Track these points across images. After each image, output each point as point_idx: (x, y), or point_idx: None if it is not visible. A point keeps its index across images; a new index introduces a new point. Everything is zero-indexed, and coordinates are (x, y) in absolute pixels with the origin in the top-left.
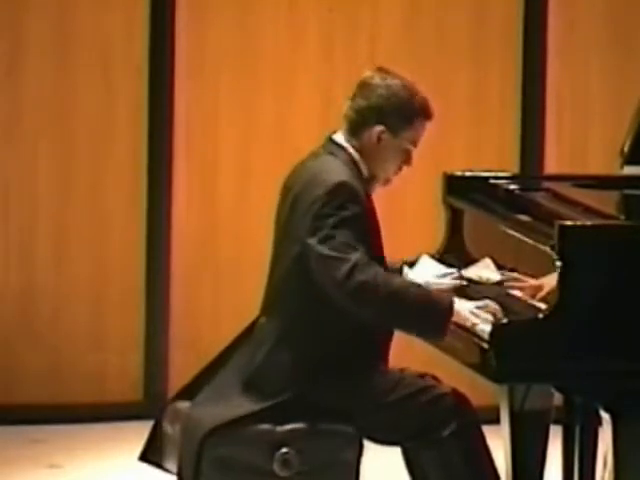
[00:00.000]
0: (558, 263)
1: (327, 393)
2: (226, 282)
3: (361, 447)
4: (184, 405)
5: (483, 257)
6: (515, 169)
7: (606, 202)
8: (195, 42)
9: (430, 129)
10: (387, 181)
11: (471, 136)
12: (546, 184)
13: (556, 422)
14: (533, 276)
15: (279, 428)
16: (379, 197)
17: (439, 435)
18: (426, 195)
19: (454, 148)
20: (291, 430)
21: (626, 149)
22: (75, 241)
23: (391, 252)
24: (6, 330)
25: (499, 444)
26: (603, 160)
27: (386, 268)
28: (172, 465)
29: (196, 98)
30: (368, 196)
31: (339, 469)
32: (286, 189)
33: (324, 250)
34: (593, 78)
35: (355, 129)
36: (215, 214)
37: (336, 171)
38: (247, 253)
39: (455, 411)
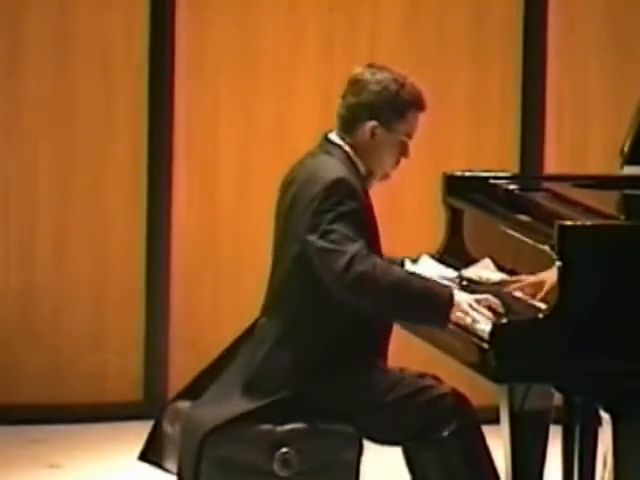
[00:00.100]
0: (558, 263)
1: (327, 392)
2: (226, 282)
3: (361, 447)
4: (184, 405)
5: (483, 257)
6: (515, 169)
7: (606, 202)
8: (195, 42)
9: (430, 129)
10: (386, 176)
11: (471, 136)
12: (546, 184)
13: (556, 422)
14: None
15: (279, 428)
16: (379, 197)
17: (439, 435)
18: (426, 195)
19: (454, 148)
20: (291, 430)
21: (626, 149)
22: (75, 241)
23: (391, 252)
24: (6, 330)
25: (499, 444)
26: (603, 160)
27: None
28: (172, 465)
29: (196, 98)
30: (366, 192)
31: (339, 469)
32: (284, 188)
33: (323, 244)
34: (593, 78)
35: (348, 126)
36: (215, 214)
37: (333, 169)
38: (247, 253)
39: (455, 411)
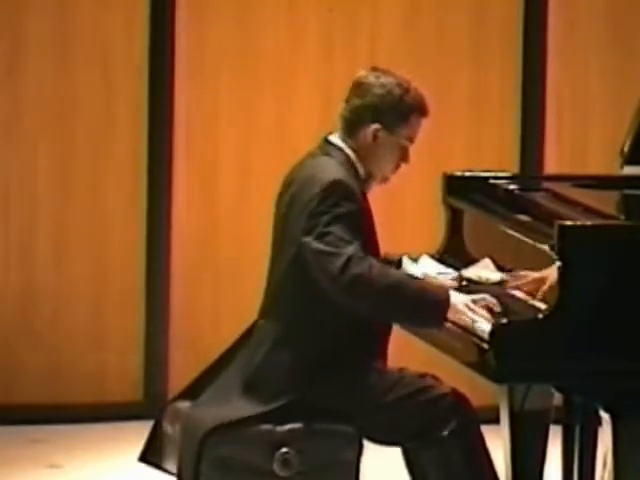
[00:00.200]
0: (558, 263)
1: (326, 393)
2: (226, 282)
3: (361, 447)
4: (184, 405)
5: (483, 257)
6: (515, 169)
7: (606, 202)
8: (195, 42)
9: (430, 129)
10: (385, 179)
11: (471, 136)
12: (546, 184)
13: (556, 422)
14: None
15: (279, 428)
16: (379, 197)
17: (439, 435)
18: (426, 195)
19: (454, 148)
20: (291, 430)
21: (626, 149)
22: (75, 241)
23: (391, 252)
24: (6, 330)
25: (499, 444)
26: (603, 160)
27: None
28: (172, 465)
29: (196, 98)
30: (364, 195)
31: (339, 469)
32: (284, 189)
33: (318, 245)
34: (593, 78)
35: (351, 129)
36: (215, 214)
37: (331, 170)
38: (247, 253)
39: (455, 410)
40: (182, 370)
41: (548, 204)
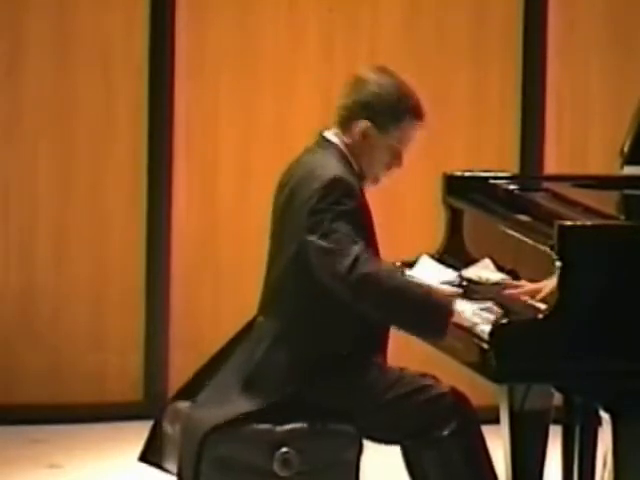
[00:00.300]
0: (558, 263)
1: (325, 392)
2: (226, 282)
3: (361, 447)
4: (184, 405)
5: (483, 257)
6: (515, 169)
7: (606, 202)
8: (195, 42)
9: (430, 129)
10: (375, 180)
11: (471, 136)
12: (546, 184)
13: (556, 422)
14: (533, 277)
15: (279, 428)
16: (379, 197)
17: (439, 434)
18: (426, 195)
19: (454, 148)
20: (291, 430)
21: (626, 149)
22: (75, 241)
23: (391, 252)
24: (6, 330)
25: (499, 444)
26: (603, 160)
27: None
28: (172, 465)
29: (196, 98)
30: (362, 192)
31: (339, 469)
32: (281, 186)
33: (324, 244)
34: (593, 78)
35: (344, 124)
36: (215, 214)
37: (331, 166)
38: (247, 253)
39: (455, 410)
40: (182, 370)
41: (548, 204)
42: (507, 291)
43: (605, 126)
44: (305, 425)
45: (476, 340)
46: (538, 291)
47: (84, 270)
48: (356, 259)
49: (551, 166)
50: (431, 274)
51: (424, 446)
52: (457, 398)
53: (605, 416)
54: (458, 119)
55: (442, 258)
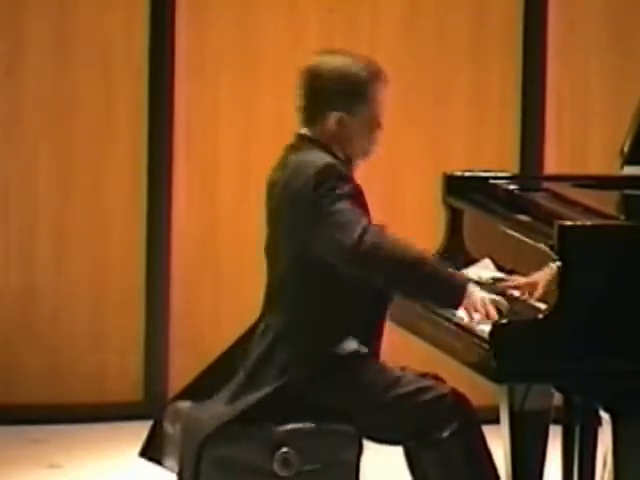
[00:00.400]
0: (558, 263)
1: (325, 391)
2: (226, 282)
3: (361, 447)
4: (185, 405)
5: (483, 257)
6: (515, 169)
7: (606, 202)
8: (195, 42)
9: (430, 129)
10: (366, 154)
11: (471, 136)
12: (546, 184)
13: (556, 422)
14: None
15: (279, 428)
16: (379, 197)
17: (439, 435)
18: (426, 195)
19: (454, 148)
20: (291, 430)
21: (626, 149)
22: (75, 241)
23: None
24: (6, 330)
25: (499, 444)
26: (603, 160)
27: None
28: (171, 463)
29: (196, 98)
30: (353, 176)
31: (339, 469)
32: (270, 188)
33: (330, 223)
34: (593, 78)
35: (314, 118)
36: (215, 214)
37: (320, 156)
38: (247, 253)
39: (455, 411)
40: (182, 370)
41: (548, 204)
42: (502, 284)
43: (605, 126)
44: (305, 425)
45: (476, 340)
46: (531, 285)
47: (84, 270)
48: (365, 229)
49: (551, 166)
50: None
51: (424, 447)
52: (457, 399)
53: (605, 416)
54: (458, 119)
55: (442, 258)
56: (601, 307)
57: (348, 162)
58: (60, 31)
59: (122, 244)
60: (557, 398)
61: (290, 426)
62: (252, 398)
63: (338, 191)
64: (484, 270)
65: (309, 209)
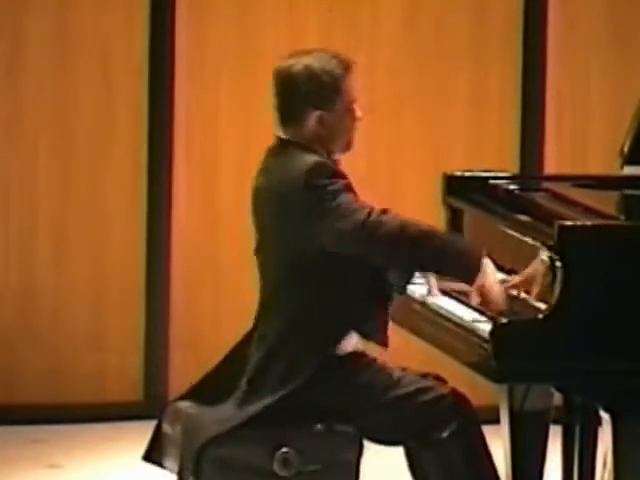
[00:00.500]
0: (546, 254)
1: (325, 392)
2: (226, 282)
3: (361, 447)
4: (185, 405)
5: None
6: (515, 169)
7: (606, 202)
8: (195, 42)
9: (430, 129)
10: (348, 146)
11: (471, 136)
12: (546, 184)
13: (556, 422)
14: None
15: (279, 428)
16: (379, 198)
17: (439, 436)
18: (426, 195)
19: (454, 148)
20: (291, 430)
21: (626, 149)
22: (75, 241)
23: None
24: (6, 330)
25: (499, 444)
26: (603, 160)
27: None
28: (172, 464)
29: (196, 98)
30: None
31: (339, 469)
32: (255, 192)
33: (335, 215)
34: (593, 78)
35: (293, 121)
36: (215, 214)
37: (306, 157)
38: (247, 253)
39: (455, 411)
40: (182, 370)
41: (548, 204)
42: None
43: (605, 126)
44: (305, 425)
45: (476, 340)
46: (526, 283)
47: (84, 270)
48: (371, 210)
49: (551, 166)
50: None
51: (424, 447)
52: (457, 399)
53: (605, 416)
54: (458, 119)
55: None
56: (601, 307)
57: (330, 158)
58: (60, 31)
59: (122, 244)
60: (557, 398)
61: (290, 426)
62: (259, 405)
63: (332, 186)
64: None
65: (305, 210)
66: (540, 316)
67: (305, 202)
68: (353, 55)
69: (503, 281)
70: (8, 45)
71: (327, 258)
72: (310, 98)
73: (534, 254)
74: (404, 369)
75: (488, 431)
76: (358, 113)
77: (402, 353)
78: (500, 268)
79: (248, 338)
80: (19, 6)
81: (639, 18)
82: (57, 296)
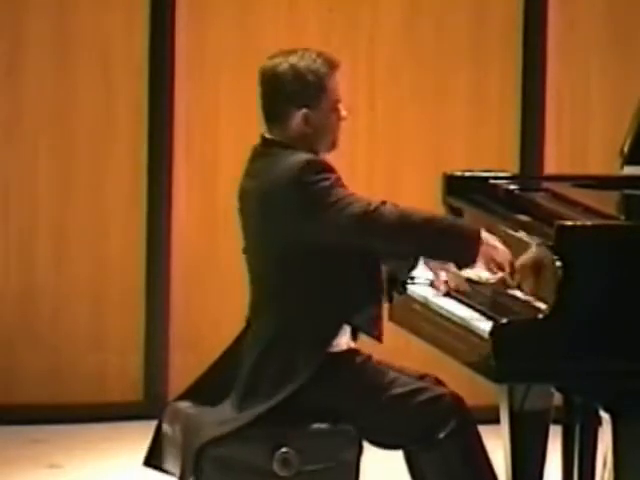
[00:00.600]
0: (558, 263)
1: (322, 392)
2: (226, 282)
3: (361, 447)
4: (184, 405)
5: None
6: (515, 169)
7: (606, 202)
8: (195, 42)
9: (430, 129)
10: (334, 145)
11: (471, 136)
12: (546, 184)
13: (556, 422)
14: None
15: (278, 428)
16: (379, 197)
17: (437, 437)
18: (426, 195)
19: (454, 148)
20: (291, 430)
21: (626, 149)
22: (75, 241)
23: None
24: (6, 330)
25: (499, 444)
26: (603, 160)
27: None
28: (171, 465)
29: (196, 98)
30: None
31: (339, 469)
32: (242, 194)
33: (332, 208)
34: (593, 78)
35: (279, 121)
36: (215, 214)
37: (296, 154)
38: None
39: (451, 411)
40: (182, 370)
41: (548, 204)
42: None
43: (605, 126)
44: (304, 425)
45: (476, 340)
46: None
47: (84, 270)
48: (369, 202)
49: (551, 166)
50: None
51: (422, 448)
52: (453, 399)
53: (605, 416)
54: (458, 119)
55: None
56: (601, 307)
57: (318, 155)
58: (60, 31)
59: (122, 244)
60: (557, 398)
61: (289, 426)
62: (260, 408)
63: (329, 181)
64: (484, 270)
65: (299, 207)
66: (540, 316)
67: (299, 200)
68: (353, 55)
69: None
70: (8, 45)
71: (318, 255)
72: (295, 97)
73: None
74: (401, 370)
75: (488, 431)
76: (343, 113)
77: (402, 353)
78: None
79: (242, 337)
80: (19, 6)
81: (639, 18)
82: (57, 296)
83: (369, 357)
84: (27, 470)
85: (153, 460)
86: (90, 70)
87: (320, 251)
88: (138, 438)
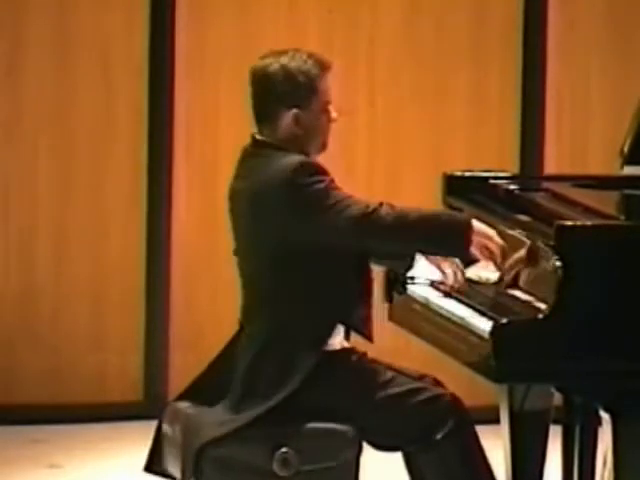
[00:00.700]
0: (558, 263)
1: (320, 392)
2: (226, 282)
3: (360, 447)
4: (184, 405)
5: None
6: (515, 169)
7: (606, 202)
8: (195, 42)
9: (430, 129)
10: (324, 147)
11: (471, 136)
12: (546, 184)
13: (556, 422)
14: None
15: (278, 428)
16: (379, 198)
17: (435, 437)
18: (426, 195)
19: (454, 148)
20: (291, 430)
21: (626, 149)
22: (75, 241)
23: None
24: (6, 330)
25: (499, 444)
26: (603, 160)
27: None
28: (171, 466)
29: (196, 98)
30: None
31: (338, 469)
32: (233, 195)
33: (330, 210)
34: (593, 78)
35: (268, 121)
36: (215, 214)
37: (289, 156)
38: None
39: (449, 411)
40: (182, 370)
41: (548, 204)
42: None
43: (605, 126)
44: (304, 425)
45: (476, 340)
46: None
47: (84, 270)
48: (367, 203)
49: (551, 166)
50: (427, 274)
51: (420, 449)
52: (451, 399)
53: (605, 416)
54: (458, 119)
55: None
56: (601, 307)
57: (309, 157)
58: (60, 31)
59: (122, 244)
60: (557, 398)
61: (289, 426)
62: (259, 409)
63: (324, 184)
64: (484, 270)
65: (292, 209)
66: (540, 316)
67: (292, 201)
68: (353, 55)
69: (501, 280)
70: (8, 45)
71: (309, 255)
72: (286, 98)
73: None
74: (399, 369)
75: (488, 431)
76: (333, 114)
77: (402, 353)
78: (500, 268)
79: (236, 341)
80: (19, 6)
81: (639, 18)
82: (57, 296)
83: (364, 354)
84: (27, 470)
85: (154, 466)
86: (90, 70)
87: (312, 252)
88: (138, 438)
